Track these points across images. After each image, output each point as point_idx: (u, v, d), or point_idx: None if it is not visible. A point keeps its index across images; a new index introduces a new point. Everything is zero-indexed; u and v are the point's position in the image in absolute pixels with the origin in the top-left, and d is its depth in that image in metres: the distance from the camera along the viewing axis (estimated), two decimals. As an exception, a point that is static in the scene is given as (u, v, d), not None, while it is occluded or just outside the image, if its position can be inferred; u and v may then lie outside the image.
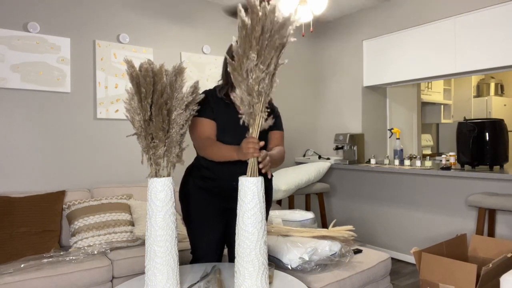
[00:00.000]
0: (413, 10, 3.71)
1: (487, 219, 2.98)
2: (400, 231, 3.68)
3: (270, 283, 1.63)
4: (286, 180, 3.55)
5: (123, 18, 3.35)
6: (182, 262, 2.20)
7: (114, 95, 3.28)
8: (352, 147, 4.00)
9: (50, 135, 3.00)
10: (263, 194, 1.52)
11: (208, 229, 1.89)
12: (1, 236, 2.41)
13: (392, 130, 4.06)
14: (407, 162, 3.62)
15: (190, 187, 1.90)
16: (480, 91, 6.00)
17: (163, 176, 1.55)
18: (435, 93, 5.74)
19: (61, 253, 2.43)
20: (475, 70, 3.33)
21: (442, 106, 5.91)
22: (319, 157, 4.36)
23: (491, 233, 2.96)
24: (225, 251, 2.10)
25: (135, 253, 2.52)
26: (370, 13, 4.12)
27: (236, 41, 1.51)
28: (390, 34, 3.94)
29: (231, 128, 1.79)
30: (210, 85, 1.97)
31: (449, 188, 3.28)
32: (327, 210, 4.36)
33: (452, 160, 3.33)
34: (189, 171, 1.95)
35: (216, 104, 1.83)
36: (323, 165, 3.88)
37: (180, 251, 2.40)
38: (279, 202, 3.85)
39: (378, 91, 4.37)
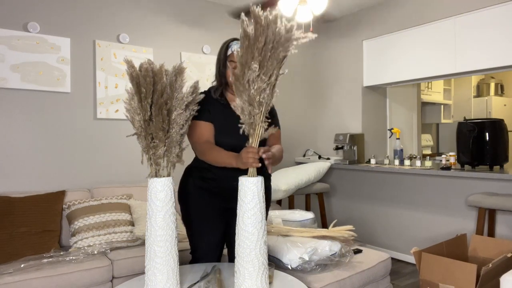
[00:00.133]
0: (413, 10, 3.71)
1: (487, 219, 2.98)
2: (400, 231, 3.68)
3: (270, 283, 1.63)
4: (286, 180, 3.55)
5: (123, 18, 3.35)
6: (182, 262, 2.21)
7: (114, 95, 3.28)
8: (352, 147, 4.00)
9: (50, 135, 3.00)
10: (263, 194, 1.52)
11: (208, 229, 1.89)
12: (1, 236, 2.41)
13: (392, 130, 4.06)
14: (407, 162, 3.62)
15: (190, 187, 1.90)
16: (480, 91, 6.00)
17: (163, 176, 1.55)
18: (435, 93, 5.74)
19: (61, 253, 2.43)
20: (475, 70, 3.33)
21: (442, 106, 5.90)
22: (319, 157, 4.36)
23: (491, 233, 2.96)
24: (225, 251, 2.10)
25: (135, 253, 2.52)
26: (370, 13, 4.12)
27: (238, 51, 1.51)
28: (390, 34, 3.94)
29: (230, 129, 1.79)
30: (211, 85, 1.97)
31: (449, 188, 3.28)
32: (327, 210, 4.36)
33: (452, 160, 3.33)
34: (189, 171, 1.95)
35: (212, 106, 1.82)
36: (323, 165, 3.88)
37: (180, 251, 2.40)
38: (279, 202, 3.85)
39: (378, 91, 4.37)
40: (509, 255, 2.13)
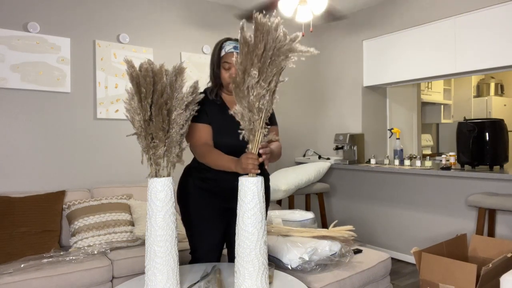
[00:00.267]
0: (413, 10, 3.71)
1: (487, 219, 2.98)
2: (400, 231, 3.68)
3: (270, 283, 1.63)
4: (286, 180, 3.54)
5: (123, 18, 3.35)
6: (182, 262, 2.21)
7: (114, 95, 3.28)
8: (352, 147, 4.00)
9: (50, 135, 3.00)
10: (263, 194, 1.52)
11: (208, 229, 1.89)
12: (1, 236, 2.41)
13: (392, 130, 4.06)
14: (407, 162, 3.62)
15: (190, 188, 1.90)
16: (480, 91, 6.00)
17: (163, 176, 1.55)
18: (435, 93, 5.74)
19: (61, 253, 2.43)
20: (475, 70, 3.33)
21: (442, 106, 5.91)
22: (319, 157, 4.36)
23: (491, 233, 2.96)
24: (225, 251, 2.10)
25: (135, 253, 2.52)
26: (370, 13, 4.12)
27: (236, 57, 1.51)
28: (390, 34, 3.94)
29: (228, 129, 1.79)
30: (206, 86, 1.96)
31: (449, 188, 3.28)
32: (327, 210, 4.36)
33: (452, 160, 3.33)
34: (188, 172, 1.94)
35: (209, 107, 1.82)
36: (323, 165, 3.88)
37: (180, 251, 2.40)
38: (279, 202, 3.85)
39: (378, 91, 4.37)
40: (509, 255, 2.13)
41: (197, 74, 3.70)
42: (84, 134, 3.15)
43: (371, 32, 4.11)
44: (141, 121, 1.51)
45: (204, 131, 1.80)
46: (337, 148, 4.06)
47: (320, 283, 2.00)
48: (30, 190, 2.89)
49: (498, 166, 3.06)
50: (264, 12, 3.05)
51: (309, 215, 2.70)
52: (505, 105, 5.85)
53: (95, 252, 2.48)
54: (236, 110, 1.51)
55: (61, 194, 2.80)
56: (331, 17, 3.32)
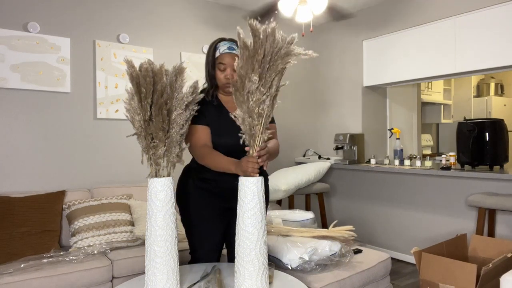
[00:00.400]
0: (413, 10, 3.71)
1: (487, 219, 2.98)
2: (400, 231, 3.68)
3: (270, 283, 1.63)
4: (286, 180, 3.55)
5: (123, 18, 3.35)
6: (182, 262, 2.20)
7: (114, 95, 3.28)
8: (352, 147, 4.00)
9: (50, 135, 3.00)
10: (263, 194, 1.52)
11: (208, 229, 1.89)
12: (1, 236, 2.41)
13: (392, 130, 4.06)
14: (407, 162, 3.62)
15: (189, 188, 1.90)
16: (480, 91, 6.00)
17: (163, 176, 1.55)
18: (435, 93, 5.74)
19: (61, 253, 2.43)
20: (475, 70, 3.33)
21: (442, 106, 5.91)
22: (319, 157, 4.36)
23: (491, 233, 2.96)
24: (224, 251, 2.10)
25: (135, 253, 2.51)
26: (370, 13, 4.12)
27: (237, 62, 1.51)
28: (390, 34, 3.94)
29: (226, 130, 1.79)
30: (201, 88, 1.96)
31: (449, 188, 3.28)
32: (327, 210, 4.36)
33: (452, 160, 3.33)
34: (188, 172, 1.94)
35: (207, 108, 1.82)
36: (323, 165, 3.88)
37: (180, 251, 2.40)
38: (279, 202, 3.85)
39: (378, 91, 4.37)
40: (509, 255, 2.13)
41: (197, 74, 3.70)
42: (84, 134, 3.15)
43: (371, 32, 4.11)
44: (141, 121, 1.51)
45: (203, 133, 1.80)
46: (337, 148, 4.07)
47: (320, 283, 2.00)
48: (30, 190, 2.89)
49: (498, 166, 3.06)
50: (266, 13, 3.04)
51: (309, 215, 2.70)
52: (505, 105, 5.85)
53: (95, 252, 2.48)
54: (237, 114, 1.51)
55: (61, 194, 2.80)
56: (335, 15, 3.31)
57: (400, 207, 3.67)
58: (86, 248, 2.51)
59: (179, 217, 2.89)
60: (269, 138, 1.92)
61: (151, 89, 1.51)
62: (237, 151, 1.67)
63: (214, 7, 3.88)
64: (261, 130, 1.51)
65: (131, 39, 3.38)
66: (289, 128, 4.50)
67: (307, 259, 2.07)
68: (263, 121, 1.50)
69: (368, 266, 2.26)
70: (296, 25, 4.35)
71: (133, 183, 3.33)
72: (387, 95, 4.44)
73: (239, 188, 1.51)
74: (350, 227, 2.32)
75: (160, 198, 1.50)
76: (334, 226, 2.40)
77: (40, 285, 2.14)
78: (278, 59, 1.46)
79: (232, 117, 1.53)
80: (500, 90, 5.99)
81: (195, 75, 3.68)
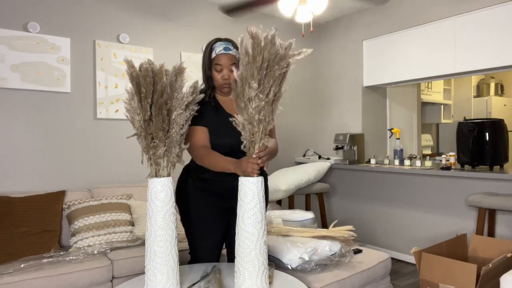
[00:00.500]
0: (413, 10, 3.71)
1: (487, 219, 2.98)
2: (400, 231, 3.68)
3: (270, 283, 1.63)
4: (286, 180, 3.54)
5: (123, 18, 3.35)
6: (182, 262, 2.20)
7: (114, 95, 3.28)
8: (352, 147, 4.00)
9: (50, 135, 3.00)
10: (263, 194, 1.52)
11: (209, 229, 1.89)
12: (1, 236, 2.41)
13: (392, 130, 4.06)
14: (407, 162, 3.62)
15: (189, 188, 1.90)
16: (480, 91, 6.00)
17: (163, 176, 1.55)
18: (435, 93, 5.74)
19: (61, 253, 2.43)
20: (475, 70, 3.33)
21: (442, 106, 5.91)
22: (319, 157, 4.36)
23: (491, 233, 2.96)
24: (224, 251, 2.10)
25: (135, 253, 2.52)
26: (370, 13, 4.12)
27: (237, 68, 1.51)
28: (390, 34, 3.94)
29: (224, 130, 1.79)
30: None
31: (449, 188, 3.28)
32: (327, 210, 4.36)
33: (452, 160, 3.33)
34: (188, 172, 1.94)
35: (205, 109, 1.82)
36: (323, 165, 3.88)
37: (180, 251, 2.40)
38: (279, 202, 3.85)
39: (378, 91, 4.37)
40: (509, 255, 2.13)
41: (197, 74, 3.70)
42: (84, 134, 3.15)
43: (371, 32, 4.11)
44: (141, 121, 1.51)
45: (201, 134, 1.80)
46: (337, 148, 4.06)
47: (320, 283, 2.00)
48: (30, 190, 2.89)
49: (498, 166, 3.06)
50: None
51: (309, 215, 2.70)
52: (505, 105, 5.85)
53: (95, 252, 2.48)
54: (238, 120, 1.51)
55: (61, 194, 2.80)
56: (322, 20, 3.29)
57: (400, 207, 3.67)
58: (86, 248, 2.51)
59: (179, 217, 2.90)
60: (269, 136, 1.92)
61: (151, 89, 1.51)
62: (236, 151, 1.67)
63: (215, 7, 3.88)
64: (260, 136, 1.50)
65: (131, 39, 3.38)
66: (289, 128, 4.50)
67: (307, 259, 2.07)
68: (262, 128, 1.50)
69: (368, 266, 2.26)
70: (296, 25, 4.35)
71: (133, 183, 3.33)
72: (387, 95, 4.44)
73: (239, 188, 1.51)
74: (350, 227, 2.32)
75: (160, 198, 1.50)
76: (334, 226, 2.40)
77: (40, 285, 2.14)
78: (274, 65, 1.46)
79: (233, 121, 1.53)
80: (500, 90, 5.99)
81: (195, 75, 3.68)
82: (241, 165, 1.54)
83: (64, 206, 2.78)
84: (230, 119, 1.56)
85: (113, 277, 2.42)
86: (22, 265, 2.22)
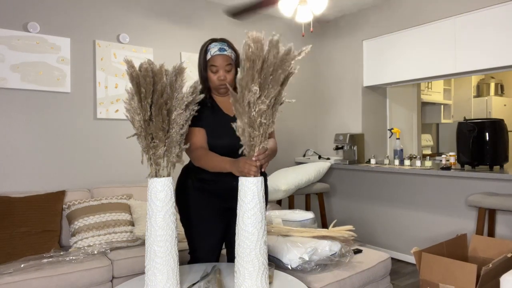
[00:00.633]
0: (413, 10, 3.71)
1: (487, 219, 2.98)
2: (400, 231, 3.68)
3: (270, 283, 1.63)
4: (286, 180, 3.54)
5: (123, 18, 3.35)
6: (182, 262, 2.20)
7: (114, 95, 3.28)
8: (352, 147, 4.00)
9: (50, 135, 3.00)
10: (263, 194, 1.52)
11: (208, 229, 1.89)
12: (1, 236, 2.41)
13: (392, 130, 4.06)
14: (407, 162, 3.62)
15: (189, 188, 1.90)
16: (480, 91, 6.00)
17: (163, 176, 1.55)
18: (435, 93, 5.74)
19: (61, 253, 2.43)
20: (475, 70, 3.33)
21: (442, 106, 5.91)
22: (319, 157, 4.36)
23: (491, 233, 2.96)
24: (224, 251, 2.10)
25: (135, 253, 2.51)
26: (370, 13, 4.12)
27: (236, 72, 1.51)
28: (390, 34, 3.94)
29: (222, 131, 1.79)
30: None
31: (449, 188, 3.28)
32: (327, 210, 4.36)
33: (452, 160, 3.33)
34: (187, 173, 1.94)
35: (202, 110, 1.81)
36: (323, 165, 3.88)
37: (180, 251, 2.40)
38: (279, 202, 3.85)
39: (378, 91, 4.37)
40: (509, 255, 2.13)
41: (197, 74, 3.69)
42: (84, 134, 3.15)
43: (371, 32, 4.11)
44: (141, 121, 1.51)
45: (199, 135, 1.80)
46: (337, 148, 4.06)
47: (320, 283, 2.00)
48: (30, 190, 2.89)
49: (498, 166, 3.06)
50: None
51: (309, 215, 2.70)
52: (505, 105, 5.85)
53: (95, 252, 2.47)
54: (238, 125, 1.50)
55: (61, 194, 2.80)
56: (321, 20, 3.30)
57: (400, 207, 3.67)
58: (86, 248, 2.51)
59: (178, 217, 2.90)
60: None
61: (151, 89, 1.51)
62: (234, 151, 1.67)
63: (215, 7, 3.88)
64: (260, 139, 1.50)
65: (131, 39, 3.38)
66: (289, 128, 4.50)
67: (307, 259, 2.07)
68: (262, 131, 1.49)
69: (368, 266, 2.26)
70: (296, 25, 4.35)
71: (133, 183, 3.33)
72: (387, 95, 4.44)
73: (239, 188, 1.51)
74: (350, 227, 2.32)
75: (160, 198, 1.50)
76: (334, 226, 2.40)
77: (40, 285, 2.14)
78: (278, 69, 1.46)
79: (233, 125, 1.53)
80: (500, 90, 5.99)
81: (195, 75, 3.68)
82: (238, 164, 1.54)
83: (64, 206, 2.78)
84: (233, 124, 1.55)
85: (113, 277, 2.42)
86: (22, 265, 2.22)
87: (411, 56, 3.75)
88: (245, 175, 1.51)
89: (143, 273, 2.41)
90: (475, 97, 5.97)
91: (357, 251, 2.44)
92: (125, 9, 3.36)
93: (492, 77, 5.95)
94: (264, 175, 1.95)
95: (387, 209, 3.78)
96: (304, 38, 4.54)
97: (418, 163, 3.48)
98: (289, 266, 2.09)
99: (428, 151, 5.74)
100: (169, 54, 3.60)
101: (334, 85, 4.53)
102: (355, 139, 4.01)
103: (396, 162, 3.71)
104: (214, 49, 1.79)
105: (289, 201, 3.79)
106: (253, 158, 1.51)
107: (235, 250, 1.51)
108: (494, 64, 3.15)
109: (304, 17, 3.04)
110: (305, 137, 4.65)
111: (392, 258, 3.63)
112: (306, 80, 4.64)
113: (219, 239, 1.92)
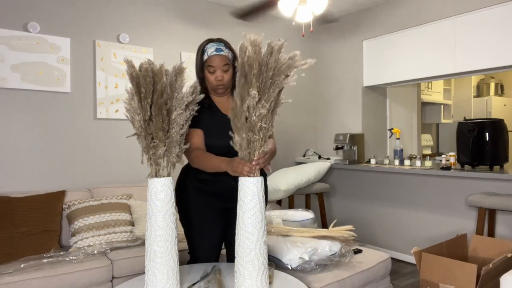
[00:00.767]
0: (413, 10, 3.71)
1: (487, 219, 2.98)
2: (400, 231, 3.68)
3: (270, 283, 1.63)
4: (286, 180, 3.54)
5: (123, 18, 3.35)
6: (182, 262, 2.20)
7: (114, 95, 3.28)
8: (352, 147, 4.00)
9: (50, 135, 3.00)
10: (263, 194, 1.52)
11: (208, 229, 1.89)
12: (1, 236, 2.41)
13: (392, 130, 4.06)
14: (407, 162, 3.62)
15: (188, 189, 1.90)
16: (480, 91, 6.00)
17: (163, 176, 1.54)
18: (435, 93, 5.74)
19: (61, 253, 2.43)
20: (475, 70, 3.33)
21: (442, 106, 5.91)
22: (319, 157, 4.36)
23: (491, 233, 2.96)
24: (223, 251, 2.10)
25: (135, 253, 2.52)
26: (370, 13, 4.12)
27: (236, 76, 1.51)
28: (390, 34, 3.94)
29: (220, 131, 1.78)
30: None
31: (449, 188, 3.28)
32: (327, 210, 4.36)
33: (452, 160, 3.33)
34: (186, 173, 1.94)
35: (200, 111, 1.81)
36: (323, 165, 3.88)
37: (180, 251, 2.40)
38: (279, 202, 3.85)
39: (378, 91, 4.37)
40: (509, 255, 2.13)
41: (197, 74, 3.70)
42: (84, 134, 3.15)
43: (371, 32, 4.11)
44: (141, 121, 1.51)
45: (196, 136, 1.79)
46: (337, 148, 4.06)
47: (320, 283, 2.00)
48: (30, 190, 2.89)
49: (498, 166, 3.06)
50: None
51: (309, 215, 2.69)
52: (505, 105, 5.85)
53: (95, 252, 2.48)
54: (235, 140, 1.49)
55: (61, 194, 2.80)
56: (324, 20, 3.31)
57: (400, 207, 3.67)
58: (86, 248, 2.51)
59: (178, 217, 2.90)
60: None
61: (151, 89, 1.51)
62: (232, 152, 1.67)
63: (215, 7, 3.88)
64: (260, 143, 1.50)
65: (131, 39, 3.38)
66: (289, 128, 4.50)
67: (307, 259, 2.07)
68: (262, 135, 1.49)
69: (368, 266, 2.26)
70: (296, 25, 4.34)
71: (133, 183, 3.34)
72: (387, 95, 4.44)
73: (239, 188, 1.51)
74: (350, 227, 2.32)
75: (160, 198, 1.50)
76: (334, 226, 2.40)
77: (40, 285, 2.14)
78: (281, 74, 1.46)
79: (233, 141, 1.52)
80: (500, 90, 5.99)
81: (195, 75, 3.67)
82: (232, 164, 1.53)
83: (64, 206, 2.78)
84: (233, 134, 1.54)
85: (113, 277, 2.42)
86: (22, 265, 2.22)
87: (411, 56, 3.75)
88: (240, 175, 1.51)
89: (143, 273, 2.41)
90: (475, 97, 5.97)
91: (357, 251, 2.44)
92: (125, 9, 3.36)
93: (492, 77, 5.95)
94: (264, 175, 1.96)
95: (387, 209, 3.78)
96: (304, 38, 4.54)
97: (418, 163, 3.48)
98: (289, 266, 2.09)
99: (428, 151, 5.74)
100: (169, 54, 3.60)
101: (334, 85, 4.53)
102: (355, 139, 4.01)
103: (396, 162, 3.71)
104: (211, 50, 1.79)
105: (289, 201, 3.79)
106: (253, 162, 1.50)
107: (235, 250, 1.50)
108: (494, 64, 3.15)
109: (304, 17, 3.04)
110: (305, 137, 4.65)
111: (392, 258, 3.63)
112: (306, 79, 4.64)
113: (219, 239, 1.92)
